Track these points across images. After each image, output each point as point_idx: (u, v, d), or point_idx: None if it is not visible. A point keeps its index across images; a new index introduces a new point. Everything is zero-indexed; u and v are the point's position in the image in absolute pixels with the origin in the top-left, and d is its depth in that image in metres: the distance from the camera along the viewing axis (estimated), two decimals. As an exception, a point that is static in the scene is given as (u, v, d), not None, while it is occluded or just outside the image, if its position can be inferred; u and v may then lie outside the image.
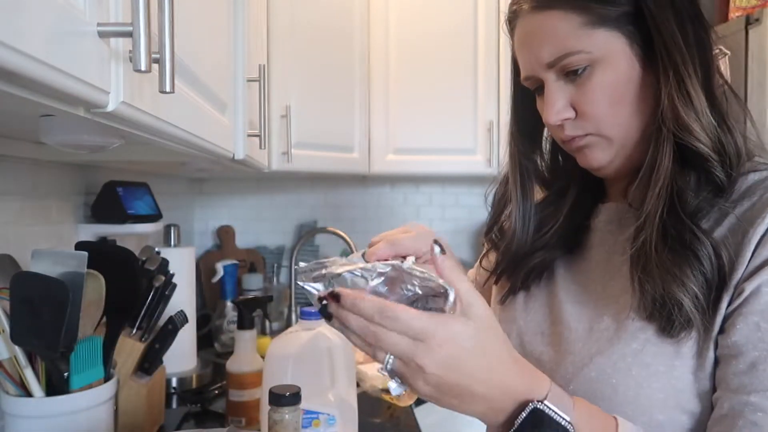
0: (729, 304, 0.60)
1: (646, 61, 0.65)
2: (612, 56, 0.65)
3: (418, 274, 0.54)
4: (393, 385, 0.56)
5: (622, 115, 0.66)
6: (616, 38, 0.64)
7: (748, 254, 0.59)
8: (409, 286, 0.55)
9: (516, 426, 0.54)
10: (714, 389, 0.60)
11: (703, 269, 0.59)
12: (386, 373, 0.54)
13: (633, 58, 0.65)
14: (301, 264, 0.58)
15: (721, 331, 0.60)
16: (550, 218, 0.78)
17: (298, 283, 0.57)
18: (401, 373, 0.53)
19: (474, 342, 0.53)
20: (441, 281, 0.53)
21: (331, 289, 0.54)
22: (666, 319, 0.61)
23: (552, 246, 0.77)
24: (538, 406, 0.53)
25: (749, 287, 0.58)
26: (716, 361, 0.60)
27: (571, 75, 0.66)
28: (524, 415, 0.53)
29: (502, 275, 0.82)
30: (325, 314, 0.55)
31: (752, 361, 0.57)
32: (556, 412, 0.54)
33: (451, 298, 0.52)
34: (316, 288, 0.57)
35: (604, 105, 0.65)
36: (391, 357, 0.53)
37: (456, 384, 0.53)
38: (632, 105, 0.66)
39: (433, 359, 0.51)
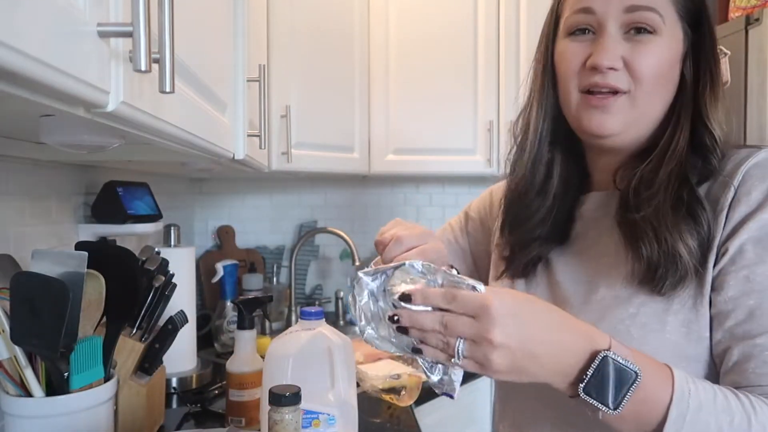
0: (715, 263, 0.67)
1: (683, 59, 0.74)
2: (672, 40, 0.73)
3: (451, 277, 0.61)
4: None
5: (656, 90, 0.73)
6: (679, 30, 0.73)
7: (723, 218, 0.68)
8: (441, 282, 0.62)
9: (588, 377, 0.58)
10: (709, 334, 0.68)
11: (701, 230, 0.68)
12: (460, 362, 0.58)
13: (680, 52, 0.74)
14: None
15: (714, 289, 0.67)
16: (538, 210, 0.83)
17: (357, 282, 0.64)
18: (474, 355, 0.57)
19: (530, 305, 0.59)
20: (469, 281, 0.59)
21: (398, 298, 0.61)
22: (659, 280, 0.68)
23: (545, 238, 0.82)
24: (608, 355, 0.58)
25: (732, 247, 0.66)
26: (712, 317, 0.67)
27: (634, 33, 0.71)
28: (595, 364, 0.58)
29: (508, 246, 0.87)
30: (402, 329, 0.60)
31: (750, 310, 0.65)
32: (623, 359, 0.59)
33: (480, 289, 0.59)
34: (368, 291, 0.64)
35: (652, 72, 0.72)
36: (461, 342, 0.57)
37: (525, 347, 0.57)
38: (665, 88, 0.73)
39: (499, 329, 0.56)
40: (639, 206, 0.71)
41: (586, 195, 0.83)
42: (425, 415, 1.51)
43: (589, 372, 0.58)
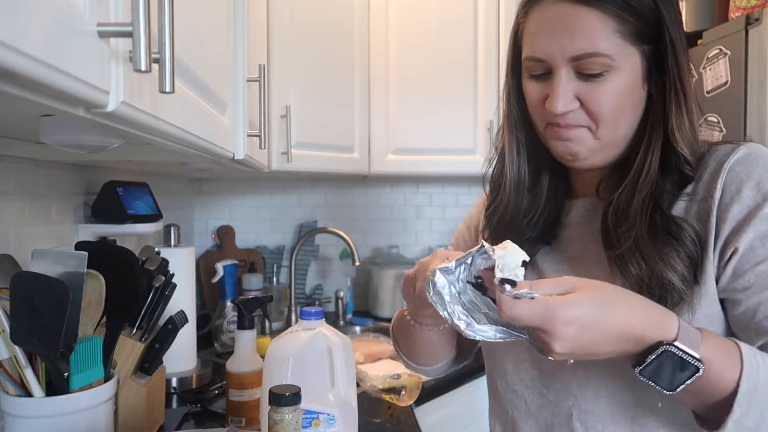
0: (725, 264, 0.68)
1: (647, 78, 0.73)
2: (627, 69, 0.71)
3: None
4: None
5: (618, 121, 0.73)
6: (634, 54, 0.71)
7: (714, 216, 0.69)
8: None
9: (645, 364, 0.61)
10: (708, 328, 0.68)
11: (688, 250, 0.68)
12: (529, 338, 0.63)
13: (640, 74, 0.72)
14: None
15: (735, 290, 0.68)
16: (527, 214, 0.84)
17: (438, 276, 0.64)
18: (537, 340, 0.61)
19: (595, 315, 0.59)
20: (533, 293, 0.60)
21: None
22: (657, 299, 0.67)
23: (533, 239, 0.83)
24: (669, 349, 0.60)
25: (741, 245, 0.67)
26: (727, 316, 0.69)
27: (584, 76, 0.71)
28: (655, 355, 0.60)
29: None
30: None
31: None
32: (685, 352, 0.59)
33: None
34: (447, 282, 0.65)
35: (609, 109, 0.71)
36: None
37: (585, 351, 0.60)
38: (628, 114, 0.73)
39: (559, 343, 0.58)
40: (619, 240, 0.72)
41: (573, 201, 0.84)
42: (425, 415, 1.51)
43: (648, 359, 0.60)
